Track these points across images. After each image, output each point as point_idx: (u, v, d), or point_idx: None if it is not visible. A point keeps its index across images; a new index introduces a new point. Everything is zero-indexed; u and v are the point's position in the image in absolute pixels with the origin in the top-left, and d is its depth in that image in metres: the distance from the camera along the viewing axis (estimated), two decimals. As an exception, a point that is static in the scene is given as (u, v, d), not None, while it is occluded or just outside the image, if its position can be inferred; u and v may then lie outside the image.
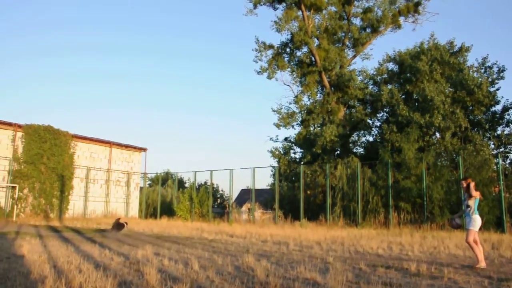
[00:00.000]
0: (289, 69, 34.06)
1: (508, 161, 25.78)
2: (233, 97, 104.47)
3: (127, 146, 33.43)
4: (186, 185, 35.96)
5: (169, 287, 5.90)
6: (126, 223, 18.18)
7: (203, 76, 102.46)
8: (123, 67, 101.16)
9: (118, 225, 17.77)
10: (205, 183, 34.75)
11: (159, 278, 6.42)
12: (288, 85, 37.11)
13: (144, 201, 32.95)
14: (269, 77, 33.78)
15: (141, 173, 34.22)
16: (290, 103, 34.30)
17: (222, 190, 44.32)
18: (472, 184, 8.80)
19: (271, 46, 34.05)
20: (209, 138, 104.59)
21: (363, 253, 10.80)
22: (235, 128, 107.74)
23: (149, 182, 48.41)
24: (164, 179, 40.60)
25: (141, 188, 34.28)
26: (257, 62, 34.48)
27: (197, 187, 31.39)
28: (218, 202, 42.31)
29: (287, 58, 34.09)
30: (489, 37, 71.36)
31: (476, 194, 8.68)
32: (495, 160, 22.91)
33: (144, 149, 34.54)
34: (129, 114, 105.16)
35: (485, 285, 6.73)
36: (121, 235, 15.91)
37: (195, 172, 30.20)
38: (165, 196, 34.17)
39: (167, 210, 30.58)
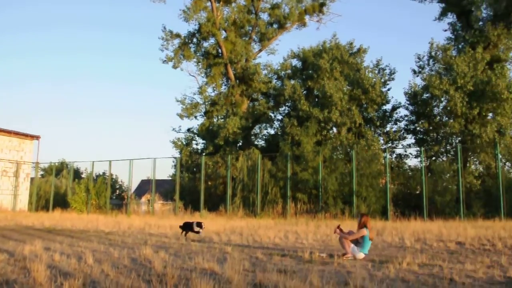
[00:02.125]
0: (195, 60, 33.79)
1: (394, 155, 28.03)
2: (135, 86, 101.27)
3: (16, 133, 30.81)
4: (83, 175, 34.19)
5: (59, 284, 5.59)
6: (201, 224, 12.57)
7: (103, 63, 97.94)
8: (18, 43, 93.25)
9: (191, 226, 12.56)
10: (104, 173, 33.29)
11: (48, 274, 6.06)
12: (193, 76, 36.85)
13: (35, 192, 30.77)
14: (174, 67, 33.25)
15: (33, 163, 31.87)
16: (195, 94, 34.11)
17: (121, 181, 42.84)
18: (363, 220, 8.69)
19: (178, 35, 33.47)
20: (108, 127, 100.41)
21: (261, 243, 11.12)
22: (136, 117, 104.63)
23: (41, 172, 45.35)
24: (59, 169, 38.22)
25: (32, 179, 31.95)
26: (163, 51, 33.78)
27: (95, 177, 30.02)
28: (117, 193, 40.82)
29: (194, 49, 33.76)
30: (382, 41, 76.81)
31: (362, 232, 8.53)
32: (384, 155, 24.81)
33: (37, 137, 32.10)
34: (20, 98, 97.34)
35: (368, 267, 7.30)
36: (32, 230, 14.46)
37: (93, 162, 28.91)
38: (59, 188, 32.20)
39: (61, 202, 28.84)
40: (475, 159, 25.43)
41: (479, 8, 28.23)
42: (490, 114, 25.33)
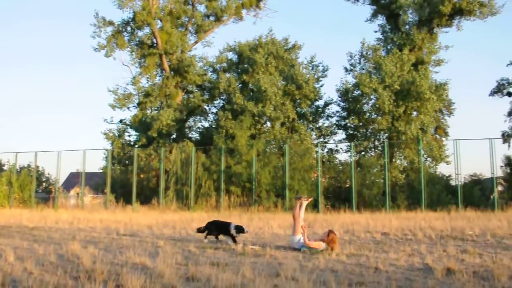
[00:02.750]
0: (128, 49, 32.66)
1: (326, 150, 28.92)
2: (65, 73, 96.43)
3: None
4: (5, 168, 32.06)
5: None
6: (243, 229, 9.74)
7: (29, 49, 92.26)
8: None
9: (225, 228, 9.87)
10: (29, 165, 31.47)
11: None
12: (126, 66, 35.43)
13: None
14: (107, 55, 31.94)
15: None
16: (128, 84, 33.01)
17: (48, 174, 40.69)
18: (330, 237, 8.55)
19: (111, 23, 32.19)
20: (35, 117, 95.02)
21: (194, 236, 11.08)
22: (65, 107, 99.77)
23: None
24: (-22, 161, 35.63)
25: None
26: (94, 38, 32.34)
27: (19, 170, 28.33)
28: (43, 186, 38.78)
29: (128, 37, 32.64)
30: (316, 39, 78.64)
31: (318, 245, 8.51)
32: (315, 149, 25.53)
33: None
34: None
35: (299, 259, 7.53)
36: None
37: (16, 153, 27.35)
38: (-23, 181, 29.99)
39: (-20, 197, 26.97)
40: (400, 155, 26.82)
41: (406, 13, 29.79)
42: (414, 113, 26.78)
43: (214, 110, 32.83)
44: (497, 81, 36.10)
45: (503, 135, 35.29)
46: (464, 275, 5.88)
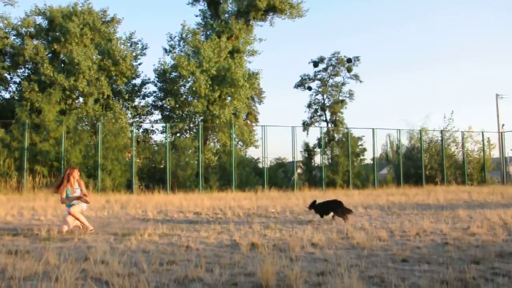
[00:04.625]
0: None
1: (141, 130, 28.50)
2: None
3: None
4: None
5: None
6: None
7: None
8: None
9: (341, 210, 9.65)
10: None
11: None
12: None
13: None
14: None
15: None
16: None
17: None
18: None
19: None
20: None
21: (-12, 221, 9.87)
22: None
23: None
24: None
25: None
26: None
27: None
28: None
29: None
30: (136, 15, 76.09)
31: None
32: (130, 128, 24.94)
33: None
34: None
35: (110, 241, 7.35)
36: None
37: None
38: None
39: None
40: (214, 138, 28.01)
41: (226, 2, 31.13)
42: (229, 98, 28.18)
43: (18, 80, 29.19)
44: (300, 76, 40.56)
45: (303, 123, 39.81)
46: (266, 249, 6.51)
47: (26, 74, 28.58)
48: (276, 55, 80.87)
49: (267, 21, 32.79)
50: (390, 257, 5.96)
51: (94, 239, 7.54)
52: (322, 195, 18.31)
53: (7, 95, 29.07)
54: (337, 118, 39.34)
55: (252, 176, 23.83)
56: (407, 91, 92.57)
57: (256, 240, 7.13)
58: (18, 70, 29.10)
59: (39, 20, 29.98)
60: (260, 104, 33.08)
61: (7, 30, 29.00)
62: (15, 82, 29.25)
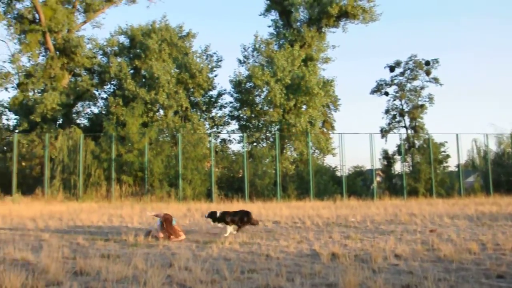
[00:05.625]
0: (5, 22, 29.67)
1: (219, 140, 29.18)
2: None
3: None
4: None
5: None
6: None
7: None
8: None
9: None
10: None
11: None
12: (3, 41, 32.21)
13: None
14: (-22, 28, 28.90)
15: None
16: (5, 62, 30.13)
17: None
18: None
19: (-18, -10, 29.00)
20: None
21: (83, 227, 10.56)
22: None
23: None
24: None
25: None
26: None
27: None
28: None
29: (4, 9, 29.62)
30: (211, 29, 78.53)
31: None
32: (209, 139, 25.64)
33: None
34: None
35: (193, 248, 7.55)
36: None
37: None
38: None
39: None
40: (290, 146, 27.99)
41: (298, 10, 31.15)
42: (304, 106, 28.08)
43: (104, 95, 31.31)
44: (376, 81, 39.41)
45: (381, 130, 38.63)
46: (347, 259, 6.35)
47: (112, 90, 30.53)
48: (350, 61, 79.58)
49: (340, 27, 32.32)
50: (483, 272, 5.55)
51: (178, 246, 7.80)
52: (404, 204, 17.65)
53: (96, 110, 31.32)
54: (417, 124, 37.69)
55: (330, 184, 23.50)
56: (493, 93, 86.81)
57: (337, 250, 6.98)
58: (105, 87, 31.20)
59: (122, 39, 32.11)
60: (336, 111, 32.57)
61: (95, 50, 31.31)
62: (102, 98, 31.44)
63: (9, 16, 29.63)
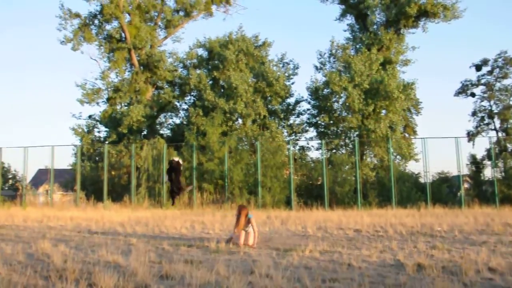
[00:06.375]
0: (96, 43, 32.02)
1: (297, 147, 29.11)
2: (31, 67, 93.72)
3: None
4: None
5: None
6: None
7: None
8: None
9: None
10: (-6, 161, 30.46)
11: None
12: (94, 60, 34.74)
13: None
14: (73, 49, 31.26)
15: None
16: (96, 79, 32.40)
17: (15, 170, 39.41)
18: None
19: (77, 15, 31.48)
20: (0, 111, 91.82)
21: (167, 233, 10.99)
22: (31, 102, 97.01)
23: None
24: None
25: None
26: (61, 30, 31.56)
27: (-17, 166, 27.35)
28: (10, 183, 37.64)
29: (95, 31, 32.01)
30: (286, 37, 78.99)
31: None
32: (287, 146, 25.67)
33: None
34: None
35: (273, 256, 7.55)
36: None
37: (-20, 149, 26.34)
38: None
39: None
40: (370, 152, 27.25)
41: (374, 13, 30.30)
42: (383, 111, 27.26)
43: (185, 106, 32.61)
44: (461, 82, 37.20)
45: (468, 134, 36.35)
46: (434, 270, 6.02)
47: (192, 101, 31.67)
48: (431, 62, 76.11)
49: (419, 28, 30.98)
50: None
51: (258, 253, 7.85)
52: (496, 213, 16.47)
53: (177, 121, 32.70)
54: (508, 126, 35.12)
55: (413, 191, 22.49)
56: None
57: (423, 260, 6.65)
58: (185, 98, 32.49)
59: (201, 51, 33.35)
60: (417, 115, 31.19)
61: (175, 64, 32.78)
62: (183, 109, 32.78)
63: (100, 37, 31.94)
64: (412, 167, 29.31)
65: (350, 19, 32.42)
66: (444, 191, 23.56)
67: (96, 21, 31.86)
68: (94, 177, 27.66)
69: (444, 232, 10.79)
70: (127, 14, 31.70)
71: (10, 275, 5.76)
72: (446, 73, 78.09)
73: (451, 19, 29.78)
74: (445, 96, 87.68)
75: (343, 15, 32.43)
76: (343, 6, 32.27)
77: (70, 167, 30.74)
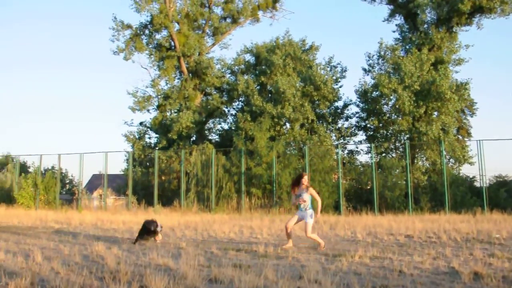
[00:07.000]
0: (147, 52, 33.07)
1: (346, 151, 28.70)
2: (85, 77, 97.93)
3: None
4: (30, 169, 32.59)
5: (4, 284, 5.35)
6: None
7: (50, 53, 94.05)
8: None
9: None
10: (53, 167, 32.01)
11: (-9, 274, 5.78)
12: (145, 68, 35.97)
13: (-25, 188, 29.08)
14: (125, 59, 32.44)
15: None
16: (147, 87, 33.44)
17: (71, 175, 41.31)
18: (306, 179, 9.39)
19: (129, 26, 32.67)
20: (57, 120, 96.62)
21: (216, 237, 11.11)
22: (86, 110, 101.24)
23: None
24: (3, 163, 36.37)
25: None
26: (113, 41, 32.86)
27: (43, 172, 28.79)
28: (67, 188, 39.43)
29: (146, 40, 33.08)
30: (334, 40, 78.29)
31: (313, 192, 9.28)
32: (336, 150, 25.34)
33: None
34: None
35: (322, 261, 7.46)
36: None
37: (41, 155, 27.74)
38: (3, 182, 30.56)
39: (6, 198, 27.46)
40: (422, 156, 26.42)
41: (424, 12, 29.26)
42: (435, 113, 26.36)
43: (233, 112, 32.97)
44: (520, 80, 35.22)
45: (527, 135, 34.34)
46: (493, 280, 5.74)
47: (240, 106, 31.97)
48: (487, 60, 72.98)
49: (473, 25, 29.72)
50: None
51: (307, 258, 7.78)
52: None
53: (226, 126, 33.13)
54: None
55: (468, 196, 21.56)
56: None
57: (480, 269, 6.35)
58: (233, 104, 32.85)
59: (248, 57, 33.65)
60: (472, 116, 29.98)
61: (223, 70, 33.29)
62: (231, 114, 33.12)
63: (150, 46, 32.98)
64: (466, 170, 28.07)
65: (399, 19, 31.68)
66: (502, 195, 22.42)
67: (147, 31, 32.91)
68: (145, 182, 28.46)
69: (503, 240, 10.27)
70: (176, 23, 32.53)
71: (68, 275, 6.02)
72: (503, 71, 74.66)
73: (509, 13, 28.33)
74: (503, 96, 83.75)
75: (391, 15, 31.73)
76: (391, 6, 31.57)
77: (122, 173, 31.85)
